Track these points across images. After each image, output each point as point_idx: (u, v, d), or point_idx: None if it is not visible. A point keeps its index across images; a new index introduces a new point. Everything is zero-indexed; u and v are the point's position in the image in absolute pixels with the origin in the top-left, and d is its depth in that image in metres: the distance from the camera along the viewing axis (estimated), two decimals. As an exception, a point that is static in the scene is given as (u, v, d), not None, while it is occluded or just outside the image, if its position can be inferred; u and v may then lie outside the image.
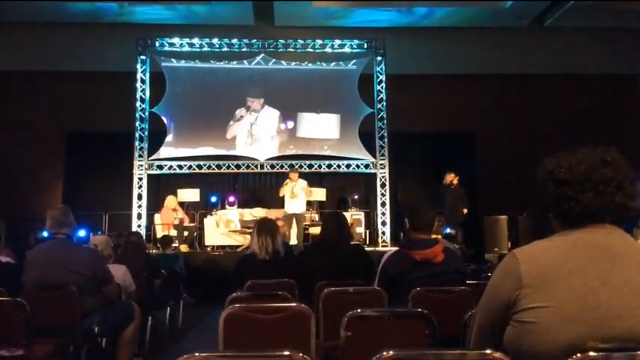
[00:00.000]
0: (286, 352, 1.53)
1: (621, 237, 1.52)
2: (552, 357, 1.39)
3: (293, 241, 9.69)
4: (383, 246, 11.13)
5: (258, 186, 12.56)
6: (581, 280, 1.43)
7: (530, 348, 1.43)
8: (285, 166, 11.60)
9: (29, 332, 3.29)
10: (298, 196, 9.98)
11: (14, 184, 11.60)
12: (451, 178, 10.71)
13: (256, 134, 12.07)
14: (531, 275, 1.46)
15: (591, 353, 1.37)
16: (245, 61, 12.26)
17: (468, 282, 3.45)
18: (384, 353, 1.49)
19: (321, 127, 12.25)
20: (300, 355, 1.53)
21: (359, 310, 2.45)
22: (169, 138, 12.03)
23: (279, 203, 10.55)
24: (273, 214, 9.61)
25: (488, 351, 1.48)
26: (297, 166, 11.10)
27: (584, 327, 1.39)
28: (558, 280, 1.44)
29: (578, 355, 1.36)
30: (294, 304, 2.71)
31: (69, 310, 3.62)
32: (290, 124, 12.22)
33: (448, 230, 10.06)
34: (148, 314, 5.17)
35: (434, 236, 3.74)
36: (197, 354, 1.53)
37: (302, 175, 10.44)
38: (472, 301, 2.92)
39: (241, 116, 12.03)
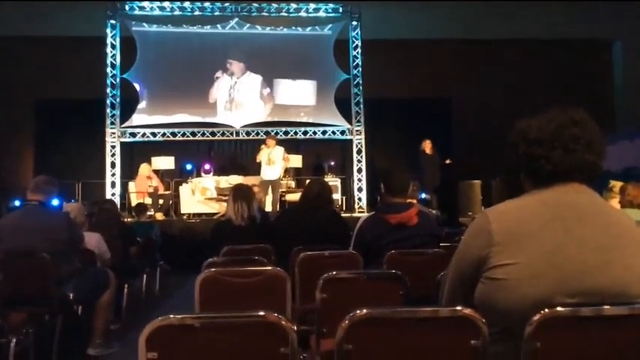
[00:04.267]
0: (261, 313, 1.55)
1: (590, 196, 1.55)
2: (521, 312, 1.42)
3: (268, 207, 9.67)
4: (359, 212, 11.21)
5: (233, 153, 12.48)
6: (550, 238, 1.46)
7: (500, 304, 1.47)
8: (261, 133, 11.53)
9: (3, 301, 3.27)
10: (275, 163, 9.93)
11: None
12: (427, 145, 10.81)
13: (237, 99, 11.91)
14: (501, 233, 1.49)
15: (559, 308, 1.40)
16: (219, 26, 12.03)
17: (441, 244, 3.50)
18: (358, 312, 1.51)
19: (297, 94, 12.15)
20: (275, 315, 1.54)
21: (334, 273, 2.47)
22: (142, 105, 11.81)
23: (256, 170, 10.51)
24: (249, 181, 9.53)
25: (458, 308, 1.51)
26: (272, 133, 11.03)
27: (552, 283, 1.43)
28: (527, 238, 1.47)
29: (546, 310, 1.40)
30: (269, 268, 2.73)
31: (43, 277, 3.60)
32: (266, 91, 12.09)
33: (423, 195, 10.17)
34: (124, 282, 5.17)
35: (409, 200, 3.77)
36: (172, 316, 1.53)
37: (278, 142, 10.37)
38: (445, 262, 2.94)
39: (217, 77, 11.85)
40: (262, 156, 9.96)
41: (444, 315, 1.53)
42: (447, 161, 10.88)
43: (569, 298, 1.42)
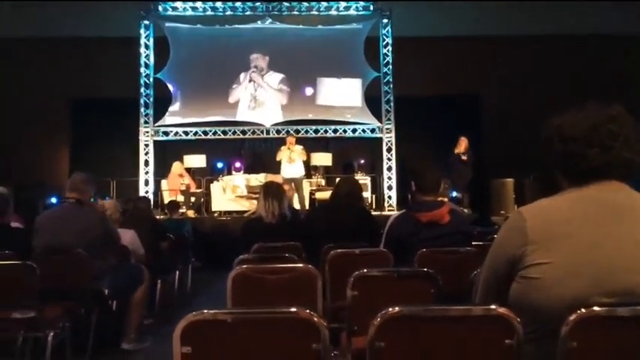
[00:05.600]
0: (293, 309, 1.55)
1: (628, 193, 1.51)
2: (557, 312, 1.40)
3: (295, 206, 9.73)
4: (389, 210, 11.16)
5: (263, 151, 12.54)
6: (586, 236, 1.43)
7: (535, 304, 1.45)
8: (292, 131, 11.56)
9: (40, 295, 3.35)
10: (295, 161, 10.04)
11: (21, 151, 11.65)
12: (463, 143, 10.63)
13: (260, 97, 11.92)
14: (536, 232, 1.46)
15: (595, 308, 1.38)
16: (250, 25, 12.06)
17: (473, 243, 3.46)
18: (390, 310, 1.51)
19: (342, 94, 12.01)
20: (307, 311, 1.55)
21: (365, 270, 2.47)
22: (176, 107, 11.93)
23: (284, 168, 10.59)
24: (279, 179, 9.61)
25: (493, 307, 1.49)
26: (302, 132, 11.09)
27: (588, 282, 1.40)
28: (563, 236, 1.44)
29: (583, 310, 1.37)
30: (301, 265, 2.74)
31: (78, 272, 3.68)
32: (309, 91, 12.02)
33: (454, 194, 10.07)
34: (157, 278, 5.24)
35: (440, 199, 3.73)
36: (205, 311, 1.55)
37: (308, 140, 10.45)
38: (478, 261, 2.92)
39: (243, 76, 11.88)
40: (283, 155, 10.06)
41: (478, 314, 1.51)
42: (464, 157, 10.64)
43: (606, 297, 1.39)
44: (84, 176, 4.11)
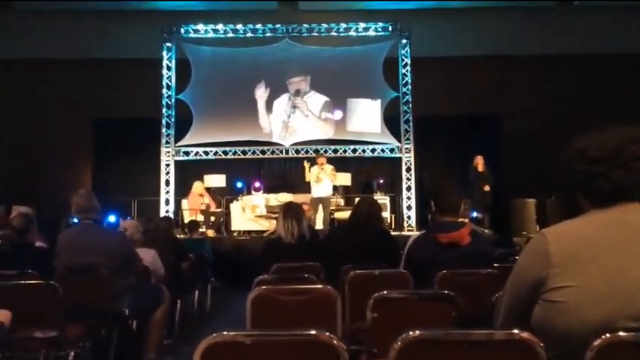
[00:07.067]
0: (313, 332, 1.55)
1: (652, 216, 1.49)
2: (582, 337, 1.38)
3: (319, 225, 9.73)
4: (408, 230, 11.10)
5: (283, 171, 12.59)
6: (611, 260, 1.41)
7: (559, 328, 1.43)
8: (311, 151, 11.59)
9: (62, 314, 3.38)
10: (323, 180, 10.04)
11: (44, 172, 11.83)
12: (480, 162, 10.57)
13: (293, 125, 11.93)
14: (560, 255, 1.45)
15: (621, 333, 1.36)
16: (270, 46, 12.17)
17: (495, 265, 3.41)
18: (411, 333, 1.49)
19: (366, 115, 11.97)
20: (327, 334, 1.54)
21: (385, 292, 2.45)
22: (196, 128, 11.99)
23: (305, 188, 10.60)
24: (298, 198, 9.62)
25: (515, 331, 1.47)
26: (322, 151, 11.11)
27: (614, 306, 1.38)
28: (587, 260, 1.42)
29: (608, 335, 1.35)
30: (320, 286, 2.73)
31: (99, 292, 3.70)
32: (338, 114, 11.98)
33: (475, 214, 9.97)
34: (177, 297, 5.26)
35: (461, 219, 3.70)
36: (225, 333, 1.55)
37: (327, 160, 10.46)
38: (499, 283, 2.88)
39: (289, 106, 11.93)
40: (312, 175, 10.07)
41: (500, 338, 1.49)
42: (486, 188, 10.47)
43: (632, 322, 1.37)
44: (84, 197, 4.10)
